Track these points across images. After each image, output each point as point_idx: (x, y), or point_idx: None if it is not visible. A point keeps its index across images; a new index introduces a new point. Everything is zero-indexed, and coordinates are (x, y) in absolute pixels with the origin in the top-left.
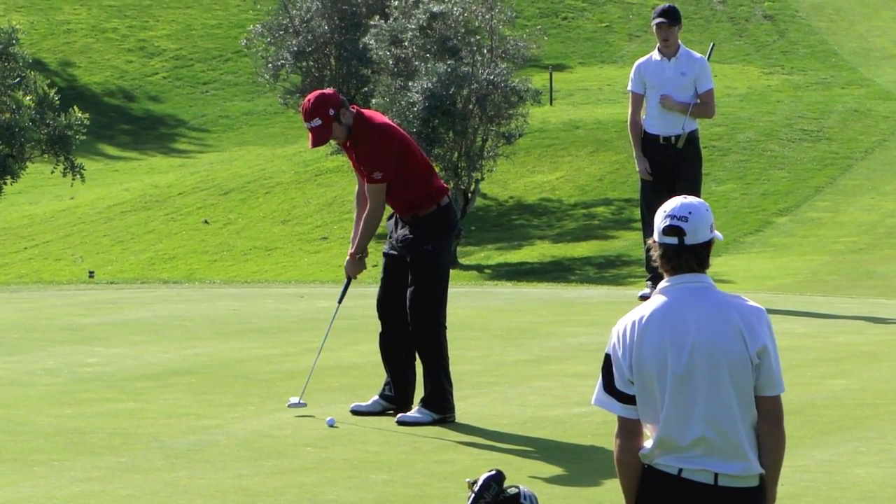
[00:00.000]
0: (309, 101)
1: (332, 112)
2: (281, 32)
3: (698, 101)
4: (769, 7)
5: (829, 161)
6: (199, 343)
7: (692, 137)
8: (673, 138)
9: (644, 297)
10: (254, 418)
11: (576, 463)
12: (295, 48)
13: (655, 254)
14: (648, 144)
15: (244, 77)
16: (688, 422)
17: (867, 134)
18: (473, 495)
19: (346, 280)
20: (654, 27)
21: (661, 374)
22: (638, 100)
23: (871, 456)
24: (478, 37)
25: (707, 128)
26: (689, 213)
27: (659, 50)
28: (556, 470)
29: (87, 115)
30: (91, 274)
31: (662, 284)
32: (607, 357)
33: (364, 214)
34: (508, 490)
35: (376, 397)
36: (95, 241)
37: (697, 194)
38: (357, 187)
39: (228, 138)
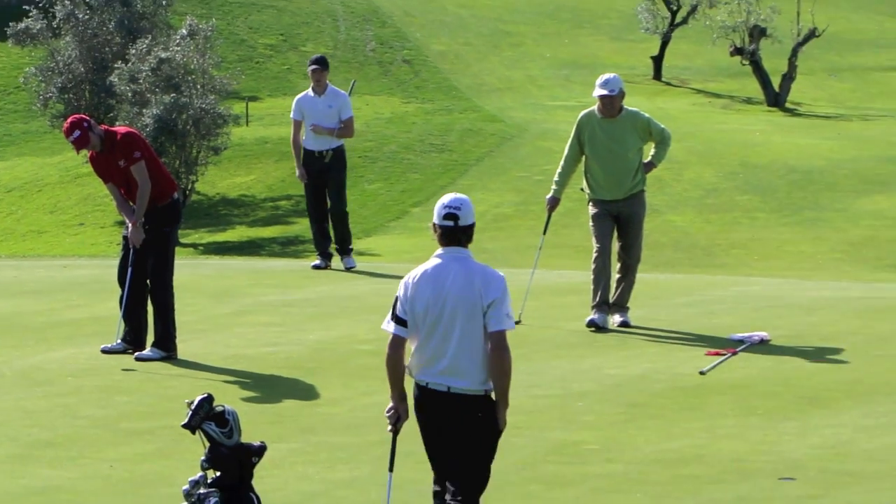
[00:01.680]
0: (69, 121)
1: (86, 125)
2: (49, 73)
3: (342, 125)
4: (407, 54)
5: (450, 167)
6: None
7: (338, 152)
8: (324, 152)
9: (316, 267)
10: (30, 357)
11: (266, 388)
12: (59, 85)
13: (436, 234)
14: (308, 157)
15: (22, 106)
16: (436, 348)
17: (478, 147)
18: (191, 412)
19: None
20: (310, 72)
21: (423, 314)
22: (297, 125)
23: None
24: (193, 76)
25: (360, 143)
26: (461, 204)
27: (313, 88)
28: (252, 393)
29: None
30: None
31: (439, 251)
32: (396, 297)
33: (137, 193)
34: (216, 408)
35: (119, 341)
36: None
37: (343, 191)
38: (110, 190)
39: (10, 150)
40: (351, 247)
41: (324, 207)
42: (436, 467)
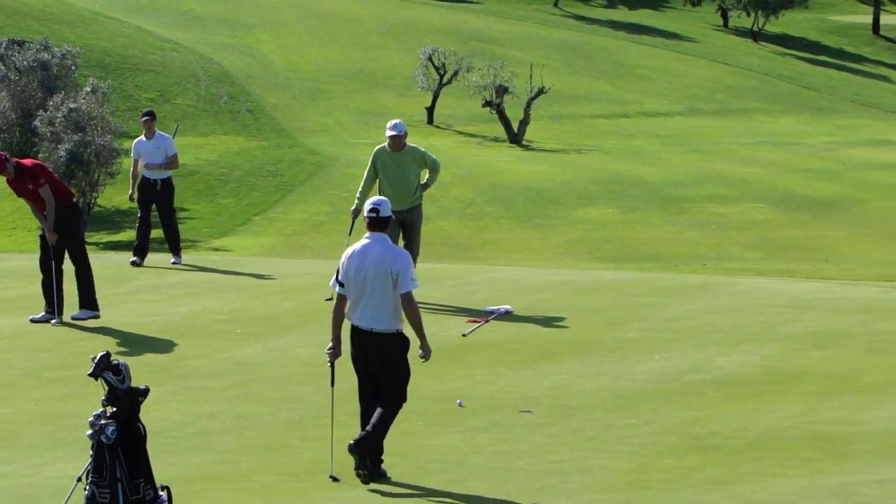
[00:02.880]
0: None
1: (3, 158)
2: None
3: (168, 160)
4: (250, 105)
5: (282, 187)
6: None
7: (167, 182)
8: (156, 181)
9: (134, 264)
10: None
11: (149, 347)
12: None
13: (366, 222)
14: (144, 182)
15: None
16: (363, 303)
17: (302, 172)
18: (94, 365)
19: (50, 247)
20: (142, 122)
21: (353, 277)
22: (135, 161)
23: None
24: (95, 121)
25: (216, 169)
26: (382, 203)
27: (145, 134)
28: (139, 350)
29: None
30: None
31: (367, 234)
32: (338, 266)
33: (45, 209)
34: (113, 362)
35: (44, 312)
36: None
37: (171, 211)
38: (30, 204)
39: None
40: (180, 248)
41: (149, 222)
42: (361, 384)
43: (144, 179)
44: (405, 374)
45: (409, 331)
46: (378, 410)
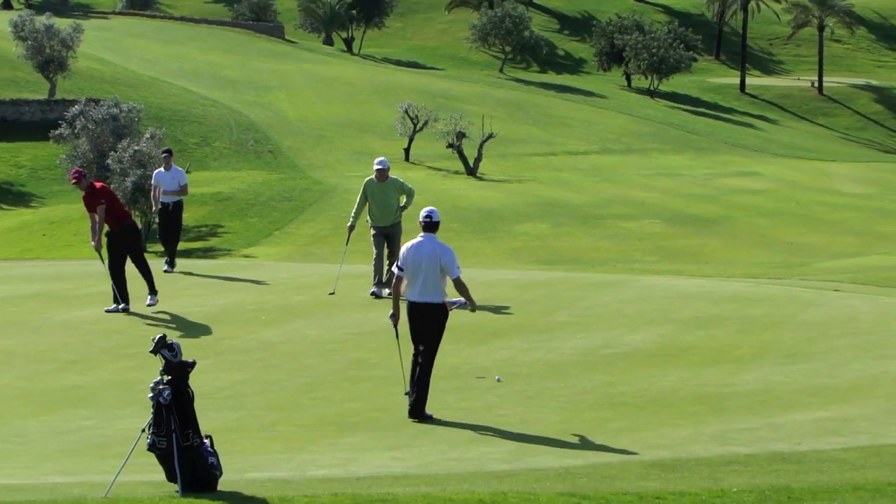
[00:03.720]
0: (73, 170)
1: (83, 173)
2: (73, 158)
3: (180, 188)
4: (271, 147)
5: (296, 208)
6: None
7: (178, 204)
8: (169, 204)
9: (166, 272)
10: (65, 313)
11: (195, 330)
12: (78, 164)
13: (420, 225)
14: (162, 205)
15: (59, 176)
16: (418, 283)
17: (311, 197)
18: (154, 344)
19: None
20: (163, 158)
21: (411, 264)
22: (156, 188)
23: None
24: (153, 159)
25: (245, 196)
26: (432, 212)
27: (164, 167)
28: (188, 333)
29: None
30: None
31: (421, 234)
32: (399, 255)
33: (95, 223)
34: (168, 342)
35: (114, 305)
36: None
37: (178, 228)
38: (90, 217)
39: (52, 201)
40: (174, 262)
41: (167, 234)
42: (414, 340)
43: (162, 203)
44: (440, 334)
45: None
46: (417, 375)
